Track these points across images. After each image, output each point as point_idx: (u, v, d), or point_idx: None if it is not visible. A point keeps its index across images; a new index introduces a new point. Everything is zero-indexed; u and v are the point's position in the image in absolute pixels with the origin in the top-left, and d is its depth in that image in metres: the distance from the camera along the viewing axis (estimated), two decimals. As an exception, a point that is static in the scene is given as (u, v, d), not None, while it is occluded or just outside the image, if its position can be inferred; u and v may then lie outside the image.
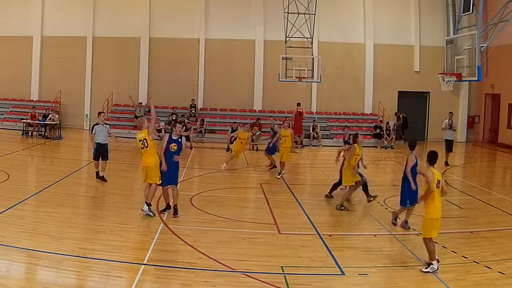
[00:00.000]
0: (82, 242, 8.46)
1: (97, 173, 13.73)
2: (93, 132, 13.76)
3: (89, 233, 9.05)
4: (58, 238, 8.49)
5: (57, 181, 13.29)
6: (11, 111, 26.71)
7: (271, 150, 16.39)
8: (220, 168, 16.12)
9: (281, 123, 16.81)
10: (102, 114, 14.35)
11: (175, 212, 10.29)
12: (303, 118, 24.25)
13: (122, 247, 8.29)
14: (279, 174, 15.31)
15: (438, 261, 7.64)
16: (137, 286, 6.82)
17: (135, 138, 10.41)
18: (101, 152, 13.77)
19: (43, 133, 23.43)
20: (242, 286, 7.05)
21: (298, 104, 24.35)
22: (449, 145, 18.77)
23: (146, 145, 10.15)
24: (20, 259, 7.52)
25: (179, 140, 10.35)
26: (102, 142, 13.79)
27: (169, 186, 10.38)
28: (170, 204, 10.47)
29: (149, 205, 10.11)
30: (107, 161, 13.89)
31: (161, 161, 10.21)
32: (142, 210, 10.12)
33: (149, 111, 26.28)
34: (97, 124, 13.89)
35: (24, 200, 10.93)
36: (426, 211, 7.71)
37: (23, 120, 24.05)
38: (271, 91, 26.95)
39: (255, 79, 27.31)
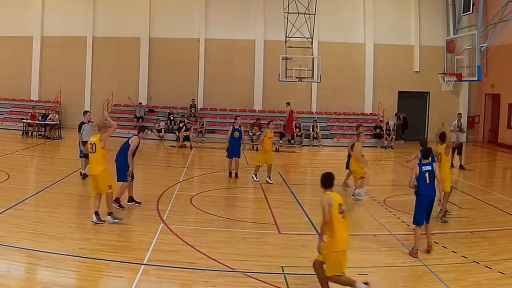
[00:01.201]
0: (82, 242, 8.47)
1: (84, 173, 13.69)
2: (81, 132, 13.99)
3: (89, 233, 9.05)
4: (58, 238, 8.50)
5: (57, 181, 13.29)
6: (11, 111, 26.71)
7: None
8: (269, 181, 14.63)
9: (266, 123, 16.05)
10: (88, 113, 14.58)
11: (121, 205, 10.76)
12: (294, 118, 24.12)
13: (122, 247, 8.29)
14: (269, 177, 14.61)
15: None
16: (137, 286, 6.83)
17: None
18: None
19: (43, 133, 23.44)
20: (242, 286, 7.05)
21: (288, 103, 24.14)
22: (458, 148, 17.77)
23: (94, 150, 9.70)
24: (20, 259, 7.52)
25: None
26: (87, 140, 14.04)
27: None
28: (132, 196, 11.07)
29: (110, 213, 9.71)
30: None
31: (120, 161, 10.78)
32: (107, 221, 9.58)
33: (149, 111, 26.63)
34: (83, 123, 14.10)
35: (24, 200, 10.94)
36: (326, 243, 6.54)
37: (23, 120, 24.04)
38: (271, 91, 26.95)
39: (255, 79, 27.30)
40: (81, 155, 13.92)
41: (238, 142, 14.99)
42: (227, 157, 15.09)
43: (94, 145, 9.72)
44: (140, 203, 11.19)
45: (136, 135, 11.05)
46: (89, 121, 14.24)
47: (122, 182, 10.84)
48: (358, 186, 12.76)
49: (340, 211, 6.57)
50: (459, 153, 17.91)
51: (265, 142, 14.44)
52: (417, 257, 8.31)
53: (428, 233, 8.60)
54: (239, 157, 15.12)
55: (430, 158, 8.83)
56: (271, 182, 14.39)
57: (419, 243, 8.45)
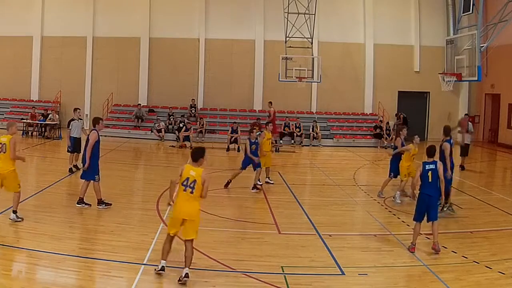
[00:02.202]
0: (82, 242, 8.48)
1: (71, 168, 14.49)
2: (70, 127, 14.59)
3: (89, 233, 9.06)
4: (58, 238, 8.49)
5: (57, 181, 13.29)
6: (11, 111, 26.69)
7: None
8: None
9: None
10: (78, 110, 15.09)
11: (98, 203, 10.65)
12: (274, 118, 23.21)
13: (122, 247, 8.28)
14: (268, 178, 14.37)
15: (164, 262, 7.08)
16: (137, 286, 6.83)
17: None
18: (77, 146, 14.51)
19: (43, 133, 23.43)
20: (242, 286, 7.05)
21: (271, 103, 23.66)
22: (464, 149, 17.69)
23: (4, 151, 9.18)
24: (20, 259, 7.53)
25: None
26: (77, 136, 14.62)
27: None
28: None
29: (14, 212, 9.40)
30: (80, 153, 13.91)
31: (85, 158, 10.52)
32: (10, 219, 9.26)
33: (149, 111, 26.63)
34: (73, 119, 14.66)
35: (24, 200, 10.92)
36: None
37: (23, 120, 24.04)
38: (271, 91, 26.93)
39: (255, 79, 27.31)
40: (69, 150, 14.71)
41: (256, 154, 13.54)
42: (241, 169, 13.66)
43: (4, 145, 9.20)
44: (90, 205, 10.65)
45: (93, 129, 10.67)
46: (79, 119, 14.98)
47: (92, 182, 10.61)
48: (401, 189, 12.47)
49: (184, 183, 7.02)
50: (462, 154, 17.66)
51: (264, 144, 13.91)
52: (413, 252, 8.45)
53: (433, 231, 8.63)
54: (261, 167, 13.70)
55: (433, 157, 8.87)
56: (271, 182, 14.32)
57: (415, 239, 8.61)
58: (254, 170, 13.47)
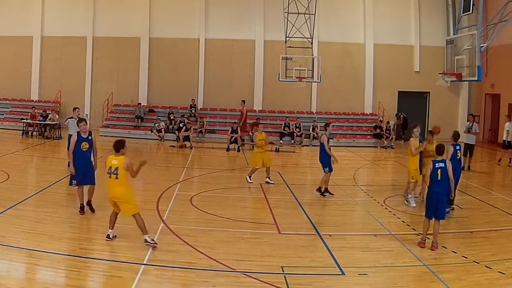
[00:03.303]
0: (82, 242, 8.47)
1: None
2: (66, 123, 14.76)
3: (89, 233, 9.06)
4: (58, 238, 8.49)
5: (57, 181, 13.29)
6: (11, 111, 26.73)
7: None
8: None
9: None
10: (77, 109, 15.04)
11: (92, 209, 10.15)
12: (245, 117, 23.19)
13: (122, 247, 8.28)
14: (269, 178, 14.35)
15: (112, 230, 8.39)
16: (137, 286, 6.82)
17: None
18: None
19: (43, 133, 23.43)
20: (242, 286, 7.05)
21: (243, 102, 23.63)
22: (467, 150, 17.40)
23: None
24: (20, 259, 7.52)
25: (89, 138, 10.19)
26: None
27: (84, 185, 10.14)
28: (84, 203, 10.16)
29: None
30: None
31: (68, 162, 10.20)
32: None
33: (149, 111, 26.63)
34: (71, 117, 14.60)
35: (24, 200, 10.93)
36: None
37: (23, 120, 24.05)
38: (271, 91, 26.96)
39: (255, 79, 27.32)
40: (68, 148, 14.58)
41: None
42: (326, 172, 12.89)
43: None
44: (93, 211, 10.29)
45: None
46: (78, 117, 14.60)
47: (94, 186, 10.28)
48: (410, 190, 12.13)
49: (109, 172, 8.23)
50: (465, 155, 17.34)
51: (258, 144, 14.35)
52: (423, 247, 8.70)
53: (434, 231, 8.74)
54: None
55: (443, 156, 8.96)
56: (271, 182, 14.29)
57: (425, 234, 8.87)
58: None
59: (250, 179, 14.27)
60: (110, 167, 8.22)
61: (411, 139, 12.48)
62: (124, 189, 8.24)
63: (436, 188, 8.72)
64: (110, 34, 27.05)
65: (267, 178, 14.38)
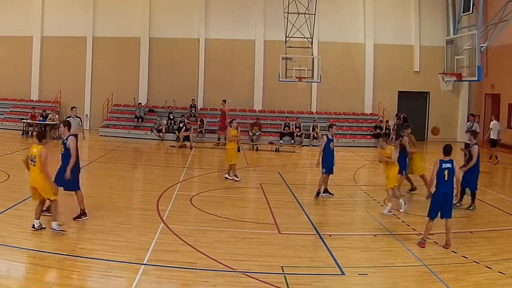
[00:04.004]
0: (82, 242, 8.47)
1: None
2: None
3: (89, 233, 9.05)
4: (58, 238, 8.49)
5: (57, 181, 13.26)
6: (11, 111, 26.72)
7: None
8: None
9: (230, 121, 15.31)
10: (75, 108, 15.58)
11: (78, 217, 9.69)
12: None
13: (122, 247, 8.28)
14: (236, 176, 14.54)
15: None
16: (137, 286, 6.82)
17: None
18: None
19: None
20: (242, 286, 7.04)
21: (225, 101, 23.51)
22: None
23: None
24: (20, 259, 7.52)
25: (65, 141, 9.53)
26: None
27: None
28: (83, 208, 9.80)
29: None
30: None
31: (65, 169, 9.36)
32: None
33: (149, 111, 26.62)
34: (69, 117, 14.83)
35: (24, 200, 10.92)
36: None
37: (23, 120, 24.06)
38: (271, 91, 26.96)
39: (255, 79, 27.32)
40: None
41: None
42: (323, 173, 12.78)
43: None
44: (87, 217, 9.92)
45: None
46: (76, 116, 15.24)
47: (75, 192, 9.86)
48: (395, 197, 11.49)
49: (30, 159, 8.70)
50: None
51: (230, 139, 14.66)
52: (423, 247, 8.70)
53: (447, 230, 8.81)
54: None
55: (450, 156, 8.95)
56: (230, 178, 14.52)
57: (426, 234, 8.88)
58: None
59: (238, 177, 14.52)
60: (31, 155, 8.71)
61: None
62: (42, 177, 8.64)
63: (443, 188, 8.73)
64: (110, 34, 27.05)
65: (227, 174, 14.69)
